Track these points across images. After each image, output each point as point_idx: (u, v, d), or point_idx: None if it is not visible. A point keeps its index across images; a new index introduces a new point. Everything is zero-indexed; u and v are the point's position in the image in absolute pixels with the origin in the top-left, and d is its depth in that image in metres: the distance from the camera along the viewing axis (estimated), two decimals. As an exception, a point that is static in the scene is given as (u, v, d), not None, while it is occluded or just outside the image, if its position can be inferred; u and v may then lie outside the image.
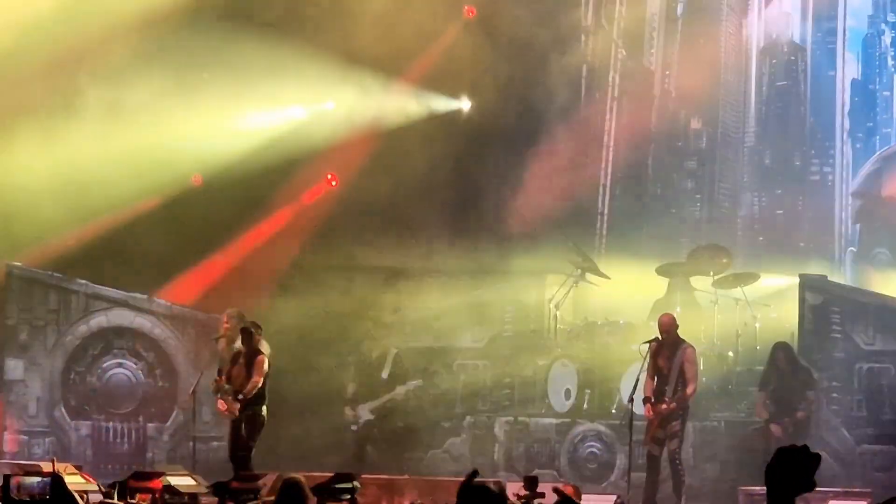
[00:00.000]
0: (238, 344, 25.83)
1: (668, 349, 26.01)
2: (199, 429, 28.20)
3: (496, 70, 31.47)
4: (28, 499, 15.76)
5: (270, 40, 31.16)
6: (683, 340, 26.24)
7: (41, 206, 29.69)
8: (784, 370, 27.94)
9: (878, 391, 28.37)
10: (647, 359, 26.12)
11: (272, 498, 17.51)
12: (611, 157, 32.80)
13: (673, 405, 25.57)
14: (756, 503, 25.44)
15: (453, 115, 32.09)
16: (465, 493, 13.30)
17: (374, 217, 31.47)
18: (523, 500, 19.50)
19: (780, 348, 28.11)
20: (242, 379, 25.57)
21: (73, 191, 29.91)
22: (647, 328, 27.78)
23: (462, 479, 20.04)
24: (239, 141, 31.58)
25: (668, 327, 26.18)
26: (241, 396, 25.43)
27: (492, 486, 13.21)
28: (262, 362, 25.62)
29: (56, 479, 14.40)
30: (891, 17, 31.78)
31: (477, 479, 12.94)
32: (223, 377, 25.76)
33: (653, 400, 25.80)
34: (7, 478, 19.15)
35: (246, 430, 25.67)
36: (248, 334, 25.75)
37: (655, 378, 26.04)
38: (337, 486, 24.06)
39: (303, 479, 18.80)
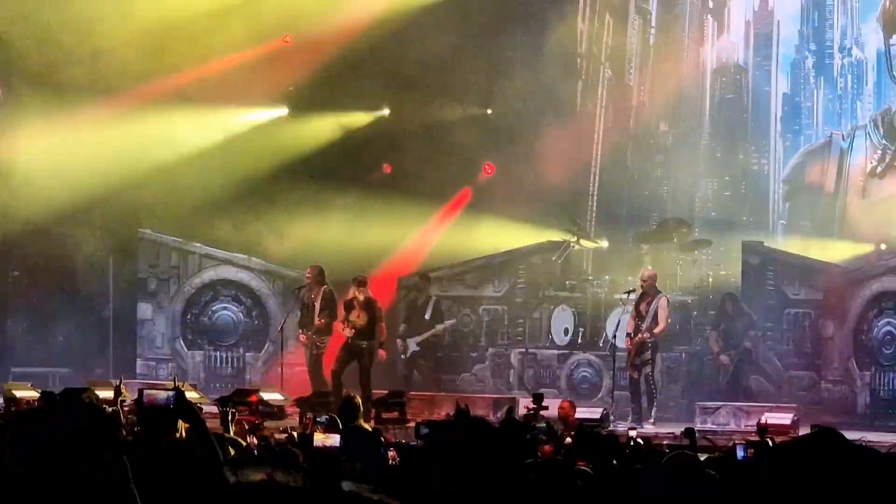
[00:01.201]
0: (354, 292, 26.81)
1: (648, 297, 26.23)
2: (285, 357, 28.22)
3: (515, 82, 31.60)
4: (155, 410, 15.70)
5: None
6: (660, 291, 26.43)
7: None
8: (730, 314, 28.12)
9: (801, 330, 28.42)
10: (630, 304, 26.49)
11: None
12: (599, 152, 32.86)
13: (646, 335, 25.79)
14: (707, 414, 25.55)
15: (482, 117, 32.20)
16: (507, 424, 13.41)
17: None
18: (532, 412, 19.41)
19: (728, 298, 28.40)
20: (366, 320, 26.53)
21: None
22: (627, 282, 27.83)
23: (483, 396, 19.58)
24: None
25: (650, 279, 26.37)
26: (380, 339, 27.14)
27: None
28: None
29: (178, 392, 14.37)
30: (812, 47, 31.70)
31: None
32: (344, 319, 26.69)
33: (632, 335, 25.99)
34: (140, 392, 19.15)
35: (369, 359, 26.50)
36: (361, 284, 26.80)
37: (636, 319, 26.22)
38: (391, 400, 24.15)
39: (359, 396, 18.87)
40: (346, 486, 2.27)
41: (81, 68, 29.72)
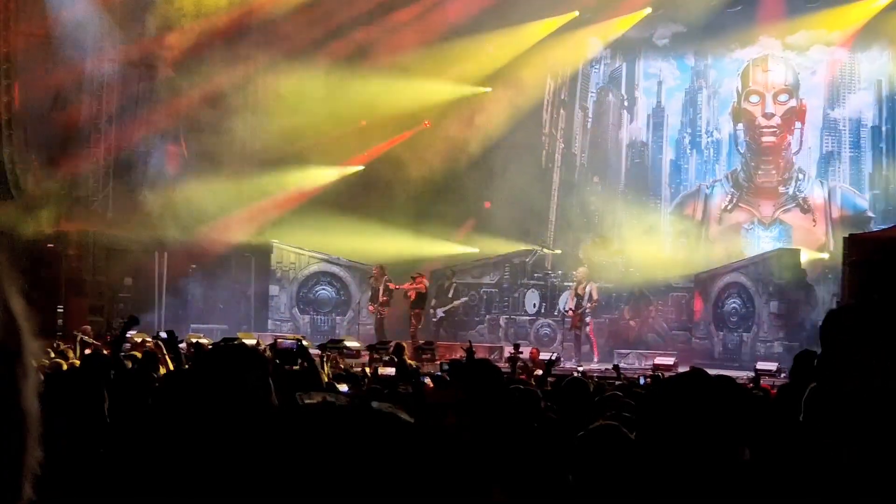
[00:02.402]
0: (411, 281, 27.97)
1: (581, 284, 26.30)
2: (360, 320, 28.37)
3: (504, 151, 31.46)
4: (284, 350, 15.87)
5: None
6: (590, 280, 26.50)
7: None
8: (636, 295, 28.15)
9: (680, 305, 28.50)
10: (574, 288, 26.59)
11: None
12: (556, 194, 32.78)
13: (588, 307, 26.05)
14: (622, 357, 25.78)
15: (479, 157, 32.05)
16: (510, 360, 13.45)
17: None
18: (513, 354, 19.43)
19: (636, 285, 28.31)
20: (416, 297, 27.72)
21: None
22: (571, 276, 27.84)
23: (483, 345, 19.65)
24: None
25: (583, 274, 26.48)
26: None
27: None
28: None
29: (299, 341, 14.62)
30: (688, 130, 31.86)
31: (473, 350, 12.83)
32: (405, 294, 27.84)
33: (573, 309, 26.09)
34: (275, 340, 19.32)
35: (417, 322, 27.56)
36: (417, 277, 28.01)
37: (576, 298, 26.29)
38: (426, 346, 24.23)
39: (405, 343, 18.86)
40: (375, 404, 2.35)
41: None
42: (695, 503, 3.60)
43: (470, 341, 20.35)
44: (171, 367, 10.65)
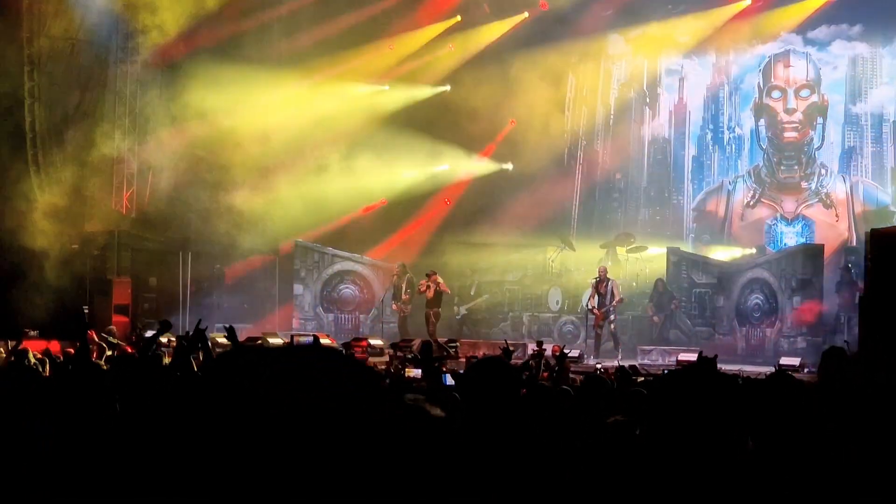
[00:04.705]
0: (427, 280, 27.41)
1: (603, 282, 26.15)
2: (384, 318, 28.32)
3: (528, 146, 31.35)
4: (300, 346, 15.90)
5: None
6: (610, 278, 26.37)
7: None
8: (660, 291, 28.01)
9: (703, 302, 28.34)
10: (595, 286, 26.44)
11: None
12: (579, 189, 32.75)
13: (612, 305, 25.85)
14: (645, 353, 25.54)
15: (504, 170, 32.14)
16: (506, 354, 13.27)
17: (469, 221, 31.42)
18: (536, 352, 19.35)
19: (658, 281, 28.36)
20: (433, 295, 27.18)
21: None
22: (594, 273, 27.59)
23: (510, 342, 19.68)
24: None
25: (603, 272, 26.32)
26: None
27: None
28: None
29: (315, 338, 14.67)
30: (710, 126, 31.66)
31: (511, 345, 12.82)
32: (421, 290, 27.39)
33: (596, 307, 25.94)
34: (292, 338, 19.34)
35: (435, 319, 27.07)
36: (432, 275, 27.43)
37: (597, 296, 26.14)
38: (449, 344, 24.18)
39: (432, 341, 18.78)
40: (407, 396, 2.30)
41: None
42: (698, 494, 3.54)
43: (506, 340, 20.38)
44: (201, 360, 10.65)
